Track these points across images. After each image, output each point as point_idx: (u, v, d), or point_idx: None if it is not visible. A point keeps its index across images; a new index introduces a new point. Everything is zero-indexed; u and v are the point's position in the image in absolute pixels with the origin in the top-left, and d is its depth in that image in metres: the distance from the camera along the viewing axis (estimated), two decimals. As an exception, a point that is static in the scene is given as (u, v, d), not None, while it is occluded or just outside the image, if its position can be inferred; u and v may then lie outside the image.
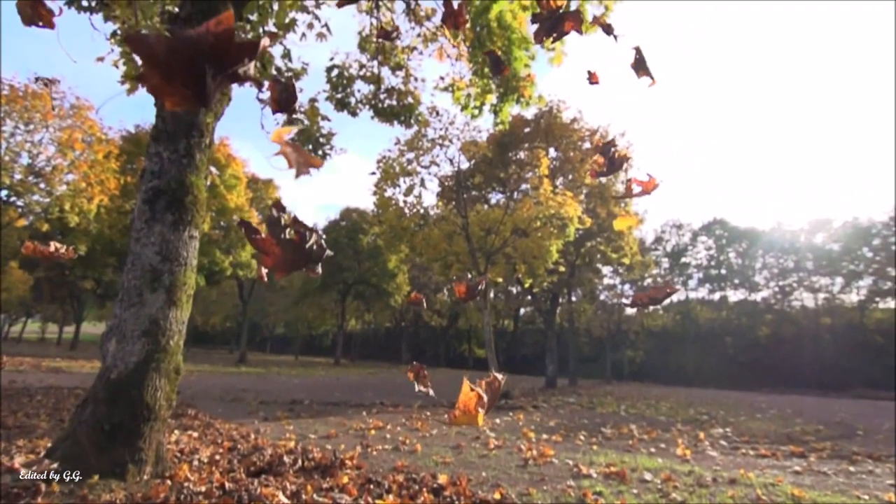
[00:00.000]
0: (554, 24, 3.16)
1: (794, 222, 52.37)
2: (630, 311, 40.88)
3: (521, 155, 19.25)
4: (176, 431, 6.58)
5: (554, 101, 19.28)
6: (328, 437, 7.44)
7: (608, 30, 6.88)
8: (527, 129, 19.82)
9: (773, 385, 34.36)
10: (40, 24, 2.65)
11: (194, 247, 4.77)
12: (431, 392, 2.90)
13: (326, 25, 7.06)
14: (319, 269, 1.35)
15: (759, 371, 37.06)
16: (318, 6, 6.96)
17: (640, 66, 2.93)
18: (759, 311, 41.60)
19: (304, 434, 7.52)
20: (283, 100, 2.88)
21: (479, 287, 3.23)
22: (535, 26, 3.30)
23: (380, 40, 9.95)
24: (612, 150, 2.96)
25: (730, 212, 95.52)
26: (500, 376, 1.95)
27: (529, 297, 23.36)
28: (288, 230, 1.27)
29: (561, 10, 3.29)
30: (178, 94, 0.86)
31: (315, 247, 1.27)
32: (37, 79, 4.60)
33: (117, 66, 5.41)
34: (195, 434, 6.65)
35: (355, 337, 52.16)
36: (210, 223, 23.72)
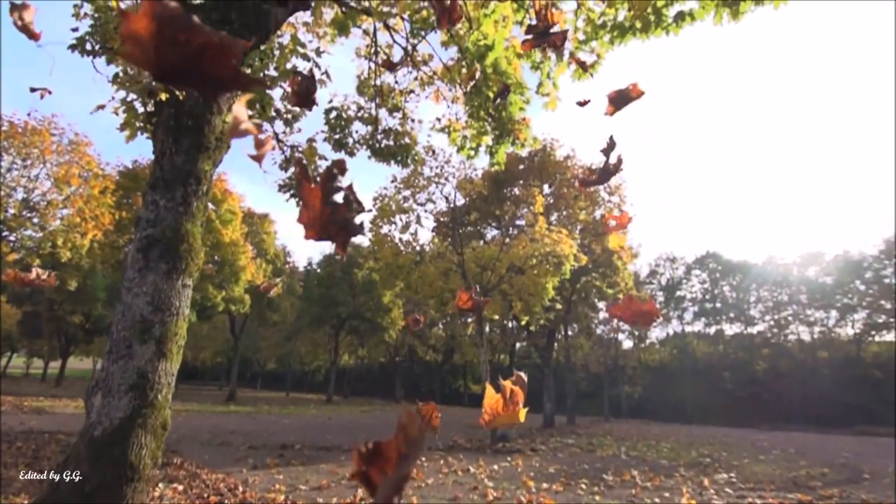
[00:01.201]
0: (543, 37, 3.50)
1: (785, 255, 52.81)
2: (627, 345, 40.61)
3: (516, 191, 19.48)
4: (160, 485, 6.29)
5: (547, 140, 19.67)
6: (319, 488, 7.14)
7: (583, 66, 7.07)
8: (521, 167, 20.11)
9: (773, 421, 33.84)
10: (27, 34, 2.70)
11: (187, 296, 4.68)
12: (437, 438, 2.77)
13: (326, 72, 7.20)
14: (348, 247, 1.26)
15: (759, 406, 36.58)
16: (318, 55, 7.12)
17: (620, 98, 2.97)
18: (755, 344, 41.41)
19: (294, 485, 7.22)
20: (304, 92, 2.91)
21: (481, 305, 3.15)
22: (528, 36, 3.66)
23: (380, 81, 10.18)
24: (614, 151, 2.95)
25: (722, 245, 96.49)
26: (523, 374, 1.88)
27: (525, 334, 23.12)
28: (339, 193, 1.18)
29: (552, 28, 3.60)
30: (143, 51, 0.78)
31: (356, 220, 1.18)
32: (32, 89, 4.57)
33: (117, 114, 5.45)
34: (180, 487, 6.35)
35: (348, 372, 51.19)
36: (204, 258, 23.59)
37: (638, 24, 7.24)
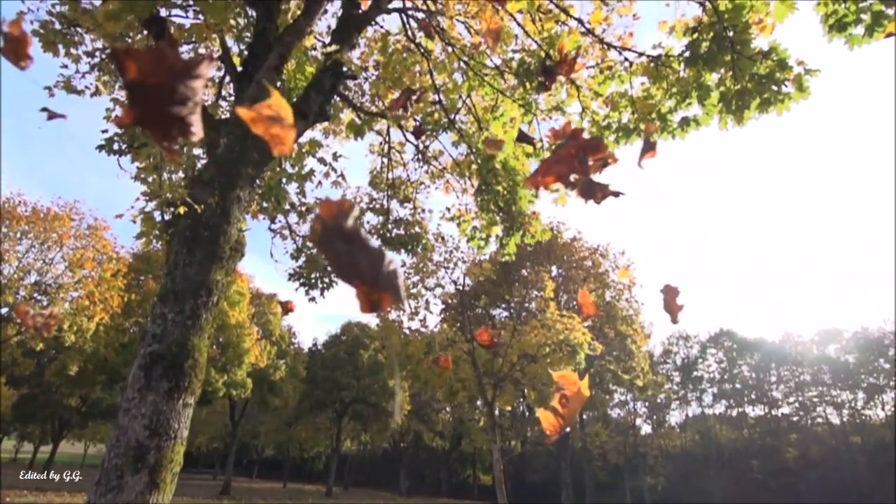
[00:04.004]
0: (548, 72, 4.18)
1: (802, 332, 51.38)
2: (646, 430, 38.38)
3: (525, 272, 19.43)
4: None
5: (554, 223, 19.96)
6: None
7: (568, 131, 7.26)
8: (529, 248, 20.25)
9: (811, 517, 31.04)
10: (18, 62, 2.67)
11: (187, 416, 4.40)
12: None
13: (342, 175, 7.40)
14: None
15: (793, 499, 33.73)
16: (335, 159, 7.36)
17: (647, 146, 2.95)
18: (782, 429, 39.04)
19: None
20: (404, 106, 3.13)
21: (500, 345, 3.08)
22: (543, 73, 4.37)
23: (392, 175, 10.48)
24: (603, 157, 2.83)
25: (736, 322, 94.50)
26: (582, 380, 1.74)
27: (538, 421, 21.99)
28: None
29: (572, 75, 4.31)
30: (143, 64, 0.83)
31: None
32: (45, 110, 4.55)
33: (135, 222, 5.51)
34: None
35: (350, 459, 48.38)
36: (209, 340, 23.20)
37: (642, 126, 7.49)
